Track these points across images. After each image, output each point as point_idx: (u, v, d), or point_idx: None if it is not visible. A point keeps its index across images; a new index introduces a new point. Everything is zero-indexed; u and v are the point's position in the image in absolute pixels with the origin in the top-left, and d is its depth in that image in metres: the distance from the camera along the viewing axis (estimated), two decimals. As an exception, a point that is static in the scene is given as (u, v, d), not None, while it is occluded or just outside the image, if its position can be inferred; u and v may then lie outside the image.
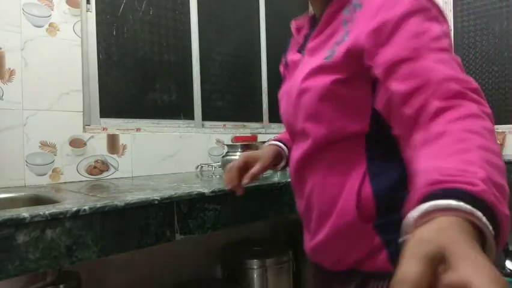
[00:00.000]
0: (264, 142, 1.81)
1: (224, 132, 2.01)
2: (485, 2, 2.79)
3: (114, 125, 1.67)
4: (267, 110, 2.31)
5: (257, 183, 1.24)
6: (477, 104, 0.50)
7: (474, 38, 2.86)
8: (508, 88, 2.72)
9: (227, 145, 1.56)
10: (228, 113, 2.12)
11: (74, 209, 0.83)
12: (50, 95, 1.44)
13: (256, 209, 1.24)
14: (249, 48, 2.26)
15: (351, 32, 0.64)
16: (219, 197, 1.12)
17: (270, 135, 2.08)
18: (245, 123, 2.18)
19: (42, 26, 1.42)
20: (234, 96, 2.16)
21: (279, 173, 1.52)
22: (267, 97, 2.31)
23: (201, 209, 1.08)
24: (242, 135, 1.98)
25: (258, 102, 2.29)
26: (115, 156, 1.58)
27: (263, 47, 2.31)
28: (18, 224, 0.76)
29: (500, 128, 2.71)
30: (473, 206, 0.36)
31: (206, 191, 1.09)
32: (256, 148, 1.47)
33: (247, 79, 2.24)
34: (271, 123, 2.33)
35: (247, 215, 1.20)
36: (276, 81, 2.40)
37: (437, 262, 0.32)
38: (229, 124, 2.10)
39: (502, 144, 2.71)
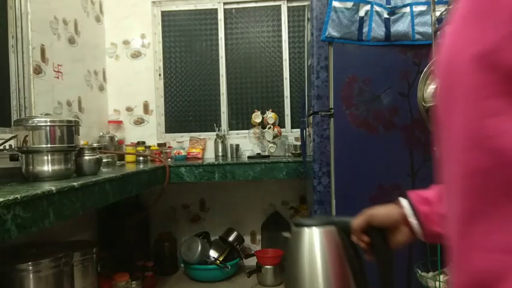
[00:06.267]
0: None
1: None
2: (188, 22, 3.12)
3: None
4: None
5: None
6: None
7: (180, 54, 3.12)
8: (208, 100, 3.17)
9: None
10: None
11: None
12: None
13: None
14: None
15: None
16: None
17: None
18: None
19: None
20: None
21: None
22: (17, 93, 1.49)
23: None
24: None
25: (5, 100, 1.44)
26: None
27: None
28: None
29: (202, 135, 3.11)
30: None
31: None
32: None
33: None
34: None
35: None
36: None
37: None
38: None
39: (204, 149, 3.12)
